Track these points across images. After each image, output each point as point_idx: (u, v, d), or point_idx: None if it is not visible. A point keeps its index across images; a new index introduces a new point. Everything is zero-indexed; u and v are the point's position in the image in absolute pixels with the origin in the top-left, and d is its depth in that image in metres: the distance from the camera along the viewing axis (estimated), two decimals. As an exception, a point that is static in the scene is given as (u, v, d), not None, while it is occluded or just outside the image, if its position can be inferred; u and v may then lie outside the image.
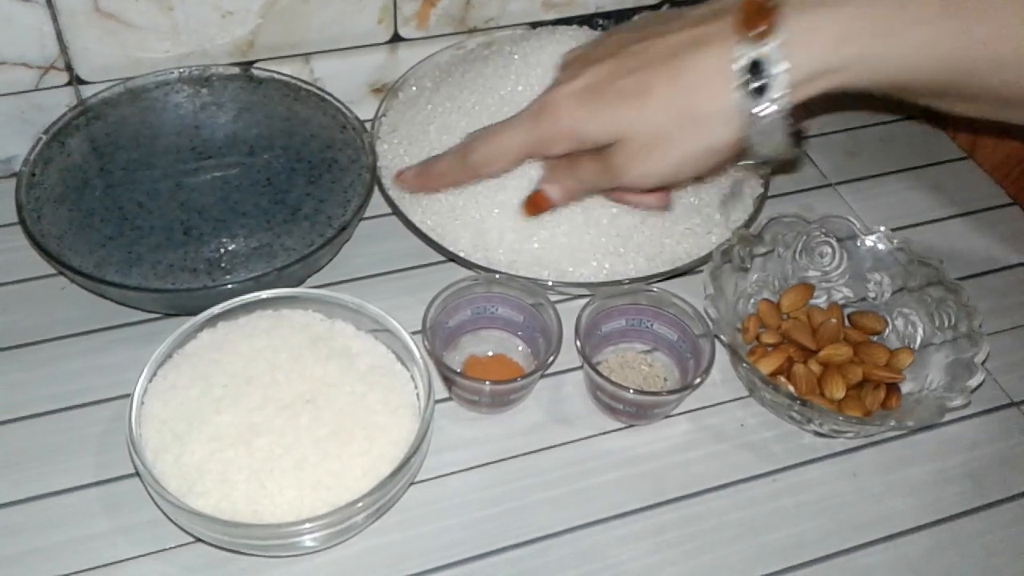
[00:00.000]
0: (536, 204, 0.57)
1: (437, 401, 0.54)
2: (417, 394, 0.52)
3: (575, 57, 0.53)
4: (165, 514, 0.49)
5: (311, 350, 0.53)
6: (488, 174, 0.57)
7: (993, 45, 0.43)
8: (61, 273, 0.60)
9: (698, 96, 0.46)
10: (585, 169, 0.53)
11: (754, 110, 0.45)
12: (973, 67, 0.44)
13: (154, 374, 0.51)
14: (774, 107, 0.44)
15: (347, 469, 0.48)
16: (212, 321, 0.53)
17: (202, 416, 0.49)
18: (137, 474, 0.49)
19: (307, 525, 0.45)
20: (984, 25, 0.43)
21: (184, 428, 0.49)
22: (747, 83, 0.44)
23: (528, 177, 0.60)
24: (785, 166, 0.57)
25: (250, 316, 0.54)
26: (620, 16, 0.76)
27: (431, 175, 0.58)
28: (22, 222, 0.58)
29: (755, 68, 0.44)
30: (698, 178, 0.58)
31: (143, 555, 0.49)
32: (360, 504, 0.46)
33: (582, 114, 0.49)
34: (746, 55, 0.44)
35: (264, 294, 0.54)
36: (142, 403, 0.50)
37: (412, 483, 0.52)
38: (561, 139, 0.51)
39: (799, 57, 0.44)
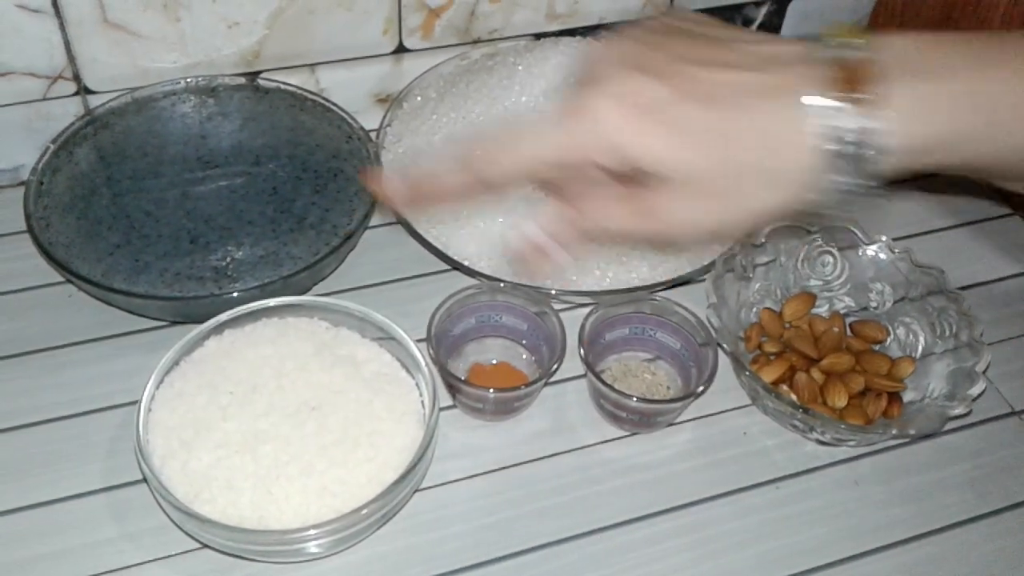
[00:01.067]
0: (534, 261, 0.45)
1: (441, 409, 0.54)
2: (422, 401, 0.53)
3: (618, 56, 0.42)
4: (172, 520, 0.49)
5: (316, 358, 0.53)
6: (500, 188, 0.44)
7: None
8: (69, 281, 0.60)
9: (777, 153, 0.39)
10: (608, 207, 0.43)
11: (838, 180, 0.39)
12: None
13: (161, 381, 0.52)
14: (861, 180, 0.39)
15: (352, 476, 0.48)
16: (219, 329, 0.54)
17: (209, 423, 0.50)
18: (144, 480, 0.50)
19: (312, 531, 0.45)
20: None
21: (191, 435, 0.49)
22: (839, 152, 0.38)
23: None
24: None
25: (256, 324, 0.55)
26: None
27: (423, 191, 0.46)
28: (30, 230, 0.58)
29: (850, 137, 0.38)
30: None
31: (150, 561, 0.50)
32: (365, 511, 0.46)
33: (631, 128, 0.39)
34: (844, 121, 0.38)
35: (270, 302, 0.55)
36: (149, 410, 0.50)
37: (417, 490, 0.52)
38: (598, 150, 0.40)
39: (905, 136, 0.38)
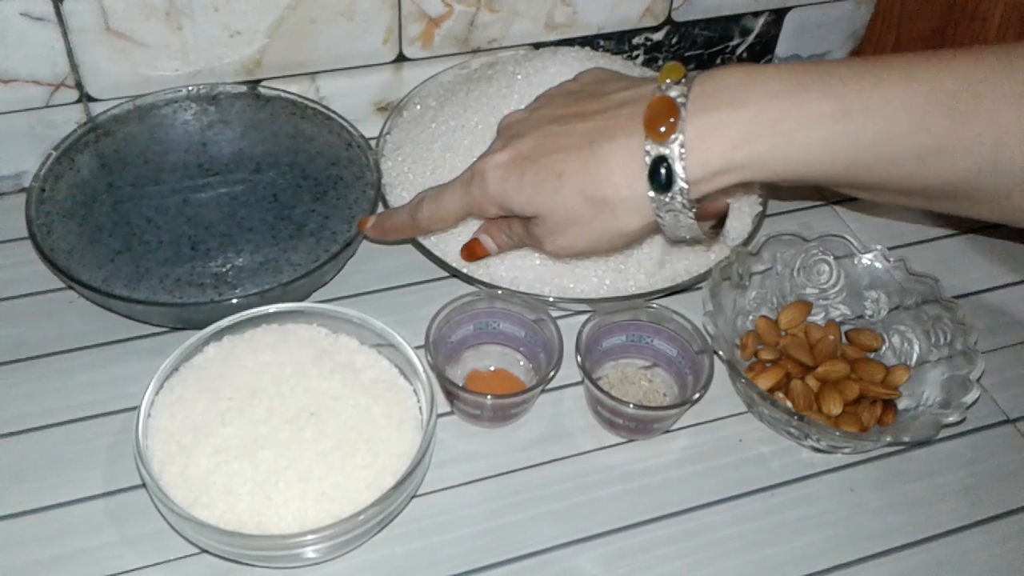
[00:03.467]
0: (472, 251, 0.60)
1: (439, 415, 0.54)
2: (420, 408, 0.53)
3: (511, 122, 0.55)
4: (171, 525, 0.50)
5: (315, 364, 0.53)
6: (435, 231, 0.61)
7: (884, 144, 0.45)
8: (70, 287, 0.61)
9: (608, 184, 0.49)
10: (514, 230, 0.56)
11: (660, 200, 0.48)
12: (867, 164, 0.46)
13: (161, 387, 0.52)
14: (678, 200, 0.47)
15: (350, 481, 0.49)
16: (218, 335, 0.54)
17: (208, 429, 0.50)
18: (144, 485, 0.50)
19: (310, 536, 0.46)
20: (874, 124, 0.45)
21: (190, 440, 0.50)
22: (653, 176, 0.47)
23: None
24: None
25: (256, 330, 0.55)
26: (621, 37, 0.77)
27: (386, 228, 0.60)
28: (32, 236, 0.59)
29: (660, 163, 0.47)
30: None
31: (149, 566, 0.50)
32: (362, 516, 0.46)
33: (506, 186, 0.52)
34: (652, 151, 0.47)
35: (269, 308, 0.55)
36: (149, 415, 0.51)
37: (414, 496, 0.53)
38: (490, 205, 0.53)
39: (697, 158, 0.46)
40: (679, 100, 0.47)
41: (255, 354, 0.54)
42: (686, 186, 0.47)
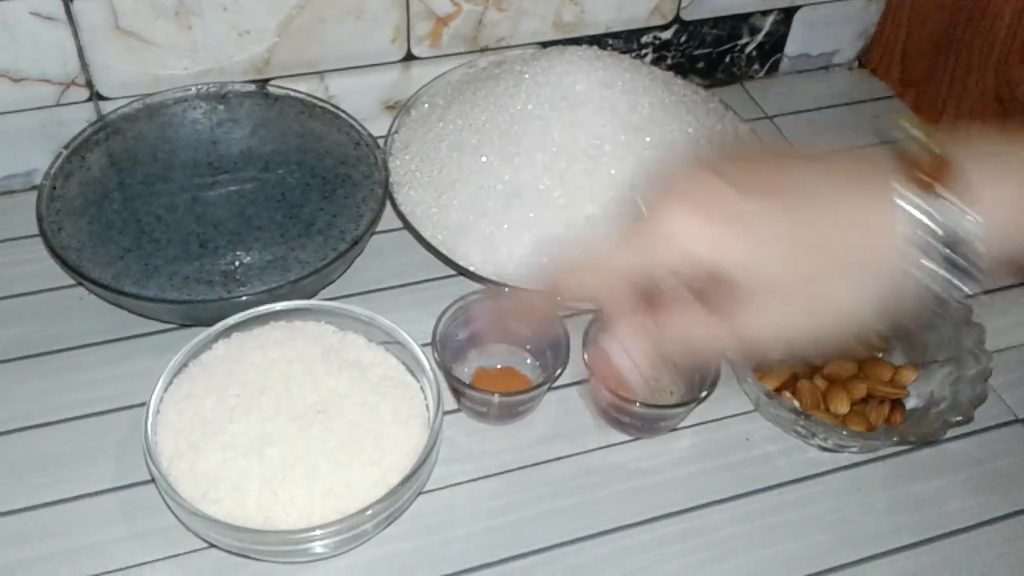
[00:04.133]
0: (615, 373, 0.42)
1: (446, 412, 0.54)
2: (427, 405, 0.53)
3: (689, 164, 0.40)
4: (179, 519, 0.50)
5: (323, 361, 0.54)
6: (586, 302, 0.46)
7: None
8: (80, 284, 0.61)
9: (864, 243, 0.37)
10: (688, 320, 0.40)
11: (931, 270, 0.36)
12: None
13: (170, 383, 0.52)
14: (954, 274, 0.36)
15: (357, 479, 0.49)
16: (227, 332, 0.54)
17: (216, 425, 0.50)
18: (153, 481, 0.50)
19: (317, 532, 0.46)
20: None
21: (199, 436, 0.50)
22: (931, 246, 0.36)
23: (539, 198, 0.61)
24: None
25: (264, 327, 0.55)
26: (629, 36, 0.77)
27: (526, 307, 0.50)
28: (43, 234, 0.59)
29: (942, 232, 0.36)
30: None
31: (157, 560, 0.50)
32: (369, 512, 0.47)
33: (707, 232, 0.38)
34: (936, 215, 0.36)
35: (277, 306, 0.55)
36: (158, 411, 0.51)
37: (421, 492, 0.53)
38: (676, 259, 0.38)
39: (993, 230, 0.36)
40: (955, 161, 0.36)
41: (263, 351, 0.54)
42: (976, 258, 0.36)
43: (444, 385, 0.55)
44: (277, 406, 0.52)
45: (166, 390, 0.52)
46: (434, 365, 0.53)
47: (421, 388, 0.54)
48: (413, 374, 0.55)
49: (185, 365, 0.53)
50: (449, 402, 0.57)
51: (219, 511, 0.47)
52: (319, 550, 0.49)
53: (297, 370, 0.53)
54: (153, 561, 0.50)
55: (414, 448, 0.51)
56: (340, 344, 0.55)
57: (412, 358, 0.54)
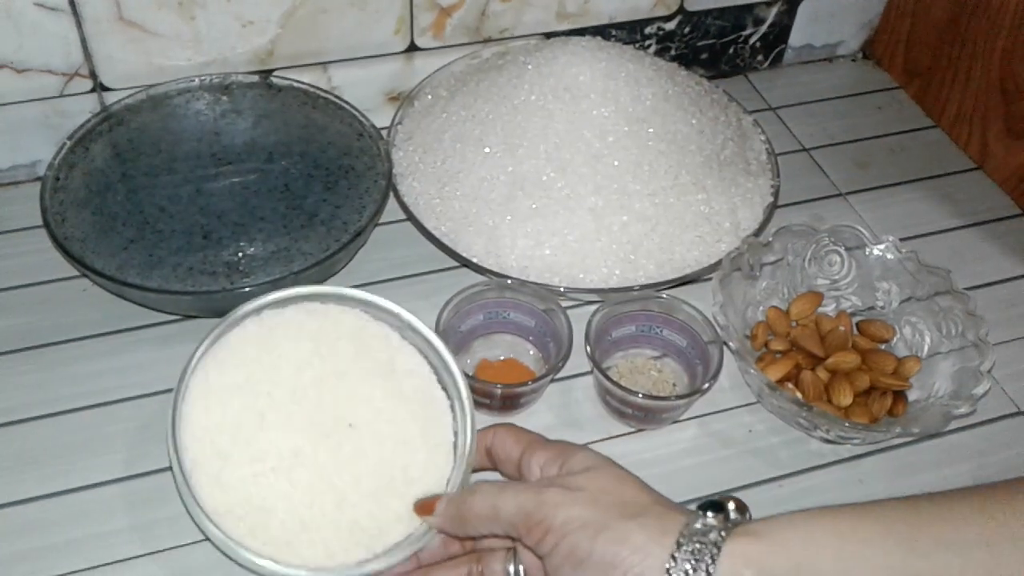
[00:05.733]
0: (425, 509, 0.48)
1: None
2: (455, 431, 0.51)
3: None
4: (196, 524, 0.48)
5: (355, 362, 0.51)
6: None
7: None
8: (84, 275, 0.61)
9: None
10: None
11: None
12: None
13: (195, 368, 0.49)
14: None
15: (382, 511, 0.48)
16: (258, 311, 0.52)
17: (247, 431, 0.48)
18: (169, 470, 0.49)
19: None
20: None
21: (227, 443, 0.48)
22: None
23: (542, 190, 0.61)
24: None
25: (297, 307, 0.52)
26: (633, 27, 0.77)
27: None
28: (46, 225, 0.59)
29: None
30: None
31: (160, 551, 0.50)
32: (391, 552, 0.47)
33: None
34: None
35: (303, 289, 0.52)
36: (183, 401, 0.48)
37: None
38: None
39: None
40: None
41: (295, 343, 0.51)
42: None
43: (474, 415, 0.51)
44: (309, 417, 0.49)
45: (191, 376, 0.49)
46: (469, 392, 0.51)
47: (451, 407, 0.52)
48: (444, 387, 0.52)
49: (210, 348, 0.50)
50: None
51: (240, 529, 0.46)
52: None
53: (330, 371, 0.51)
54: (155, 552, 0.50)
55: (438, 482, 0.49)
56: (373, 339, 0.52)
57: (445, 369, 0.52)
